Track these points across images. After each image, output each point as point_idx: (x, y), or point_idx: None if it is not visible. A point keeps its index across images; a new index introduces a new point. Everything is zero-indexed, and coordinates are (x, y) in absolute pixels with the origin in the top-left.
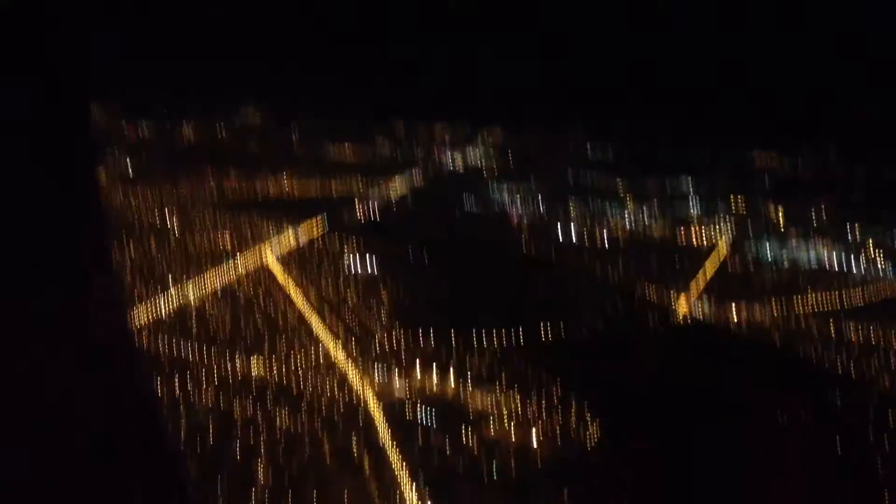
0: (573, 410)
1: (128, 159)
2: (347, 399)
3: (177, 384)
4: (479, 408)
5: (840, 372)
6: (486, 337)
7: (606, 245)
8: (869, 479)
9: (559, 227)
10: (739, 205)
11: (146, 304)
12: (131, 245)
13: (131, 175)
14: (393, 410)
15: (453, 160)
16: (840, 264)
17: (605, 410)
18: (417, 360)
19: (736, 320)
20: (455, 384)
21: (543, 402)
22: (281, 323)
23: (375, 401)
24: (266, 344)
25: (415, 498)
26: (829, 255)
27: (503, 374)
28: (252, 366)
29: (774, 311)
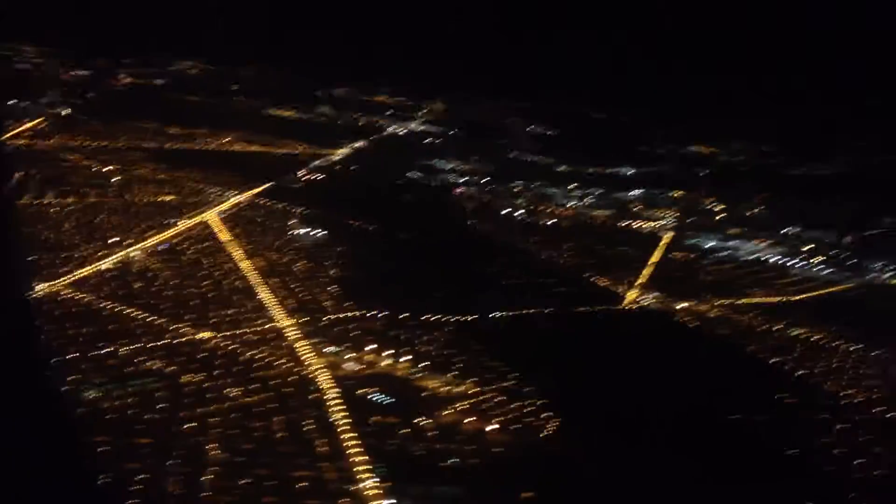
0: (529, 399)
1: (66, 108)
2: (297, 372)
3: (124, 350)
4: (433, 390)
5: (783, 368)
6: (435, 317)
7: (549, 227)
8: (817, 476)
9: (502, 204)
10: (681, 197)
11: (84, 261)
12: (69, 197)
13: (66, 122)
14: (345, 387)
15: (396, 129)
16: (778, 260)
17: (561, 400)
18: (368, 338)
19: (681, 311)
20: (407, 364)
21: (497, 386)
22: (227, 289)
23: (327, 375)
24: (212, 311)
25: (369, 481)
26: (767, 251)
27: (455, 357)
28: (199, 334)
29: (716, 304)
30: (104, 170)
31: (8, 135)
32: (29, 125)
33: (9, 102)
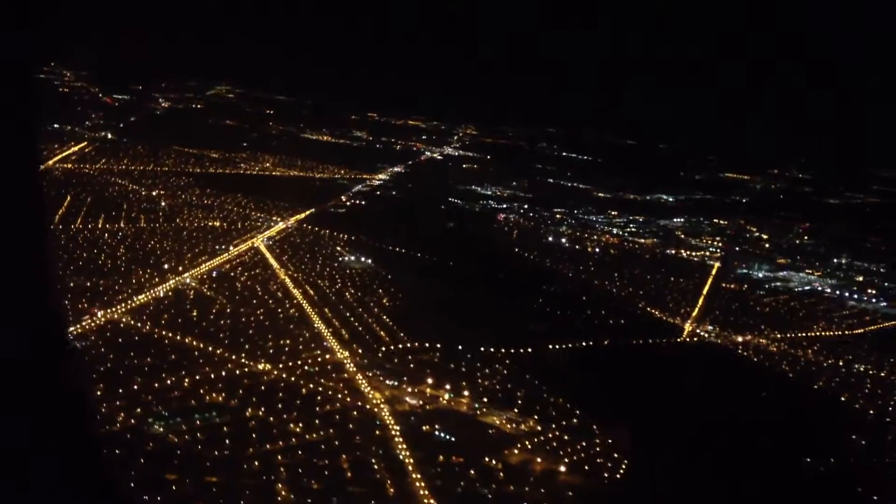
0: (596, 438)
1: (109, 132)
2: (359, 407)
3: (185, 381)
4: (497, 427)
5: (854, 406)
6: (491, 349)
7: (596, 255)
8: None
9: (546, 231)
10: (725, 225)
11: (141, 287)
12: (121, 221)
13: (110, 146)
14: (408, 423)
15: (432, 154)
16: (832, 292)
17: (628, 438)
18: (426, 370)
19: (741, 345)
20: (468, 399)
21: (563, 424)
22: (282, 318)
23: (389, 411)
24: (269, 341)
25: None
26: (819, 282)
27: (515, 392)
28: (258, 365)
29: (776, 336)
30: (152, 194)
31: (55, 159)
32: (75, 149)
33: (54, 126)
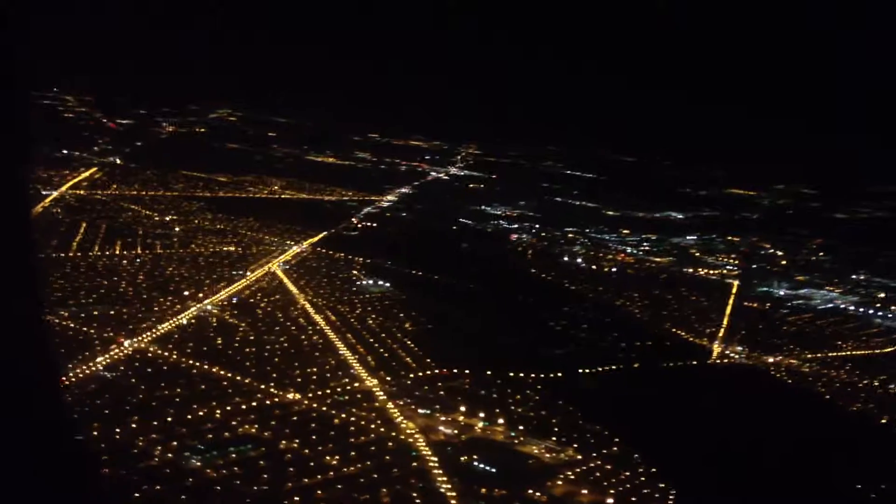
0: (638, 466)
1: (117, 158)
2: (394, 437)
3: (217, 412)
4: (537, 457)
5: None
6: (520, 374)
7: (614, 275)
8: None
9: (560, 251)
10: (737, 242)
11: (164, 315)
12: (138, 248)
13: (120, 172)
14: (445, 454)
15: (438, 174)
16: (856, 310)
17: (670, 466)
18: (457, 398)
19: (772, 366)
20: (503, 428)
21: (603, 453)
22: (306, 345)
23: (425, 441)
24: (296, 370)
25: None
26: (841, 300)
27: (550, 419)
28: (288, 394)
29: (806, 356)
30: (165, 220)
31: (67, 185)
32: (85, 175)
33: (63, 152)
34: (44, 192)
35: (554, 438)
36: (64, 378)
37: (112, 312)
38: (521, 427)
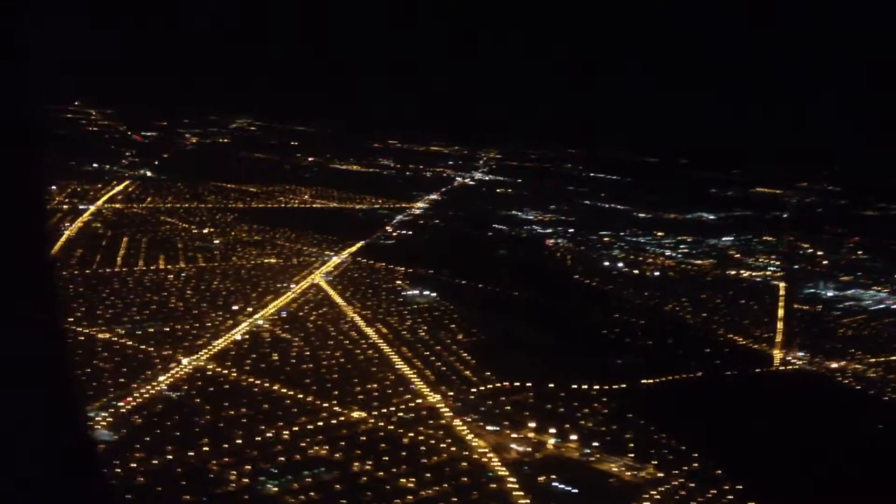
0: (722, 483)
1: (146, 170)
2: (466, 456)
3: (285, 433)
4: (617, 476)
5: None
6: (583, 386)
7: (658, 279)
8: None
9: (599, 256)
10: (775, 242)
11: (217, 331)
12: (181, 261)
13: (152, 185)
14: (522, 474)
15: (463, 179)
16: None
17: (756, 481)
18: (524, 413)
19: (837, 372)
20: (577, 444)
21: (684, 469)
22: (362, 360)
23: (499, 460)
24: (356, 387)
25: None
26: (891, 299)
27: (622, 434)
28: (352, 413)
29: (870, 361)
30: (203, 232)
31: (103, 199)
32: (119, 188)
33: (93, 165)
34: (81, 207)
35: (631, 455)
36: (130, 398)
37: (166, 329)
38: (595, 443)
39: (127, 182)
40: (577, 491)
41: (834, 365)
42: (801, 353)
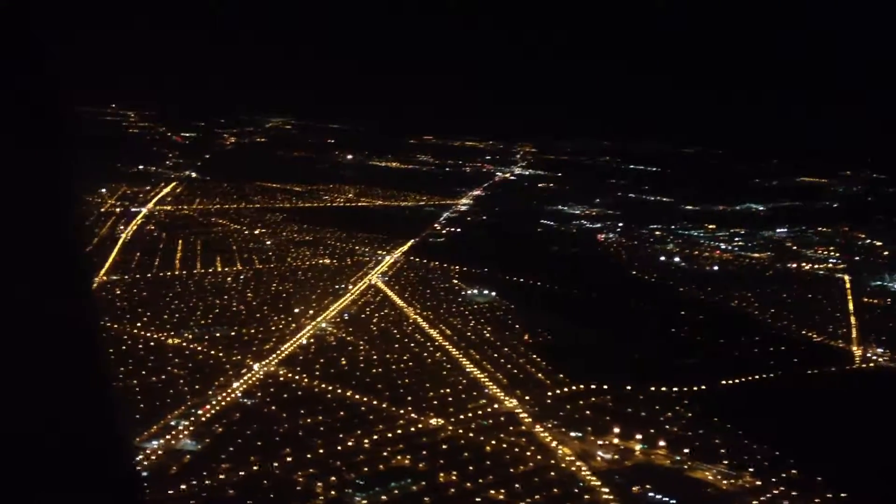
0: (825, 491)
1: (191, 171)
2: (553, 465)
3: (365, 442)
4: (713, 484)
5: None
6: (662, 388)
7: (717, 273)
8: None
9: (654, 250)
10: (831, 233)
11: (283, 335)
12: (237, 264)
13: (198, 186)
14: (614, 483)
15: (504, 174)
16: None
17: (859, 488)
18: (605, 418)
19: None
20: (665, 451)
21: (782, 477)
22: (431, 364)
23: (587, 469)
24: (429, 392)
25: None
26: None
27: (710, 439)
28: (430, 420)
29: None
30: (255, 233)
31: (153, 201)
32: (167, 189)
33: (139, 167)
34: (133, 210)
35: (725, 462)
36: (209, 406)
37: (233, 333)
38: (685, 449)
39: (174, 183)
40: (674, 502)
41: None
42: (880, 350)
